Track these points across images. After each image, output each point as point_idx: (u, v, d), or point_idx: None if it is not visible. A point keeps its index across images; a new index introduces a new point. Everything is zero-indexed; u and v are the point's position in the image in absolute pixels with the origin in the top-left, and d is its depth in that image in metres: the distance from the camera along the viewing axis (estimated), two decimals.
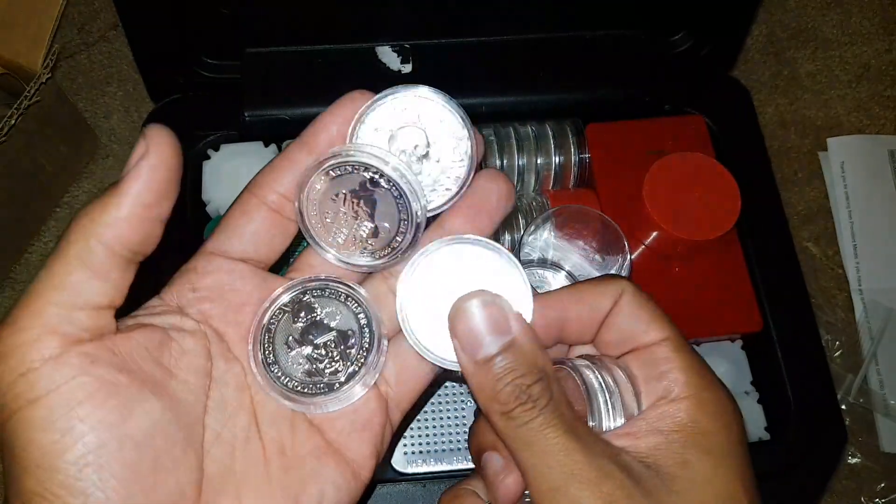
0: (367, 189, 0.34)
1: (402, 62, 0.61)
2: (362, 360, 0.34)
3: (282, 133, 0.60)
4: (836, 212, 0.68)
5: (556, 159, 0.59)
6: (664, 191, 0.54)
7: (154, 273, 0.58)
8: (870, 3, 0.76)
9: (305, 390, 0.33)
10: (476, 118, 0.62)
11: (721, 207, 0.54)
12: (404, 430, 0.54)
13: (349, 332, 0.34)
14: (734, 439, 0.31)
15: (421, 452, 0.53)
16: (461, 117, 0.36)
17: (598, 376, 0.32)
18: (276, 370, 0.33)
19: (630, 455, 0.30)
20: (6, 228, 0.62)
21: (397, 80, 0.60)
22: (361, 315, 0.35)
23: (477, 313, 0.31)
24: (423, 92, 0.35)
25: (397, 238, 0.34)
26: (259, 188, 0.34)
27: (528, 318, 0.33)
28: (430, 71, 0.61)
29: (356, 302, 0.35)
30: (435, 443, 0.53)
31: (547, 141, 0.59)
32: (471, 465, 0.52)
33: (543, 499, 0.29)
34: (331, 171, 0.34)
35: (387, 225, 0.34)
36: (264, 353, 0.33)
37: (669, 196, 0.54)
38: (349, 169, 0.34)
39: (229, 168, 0.59)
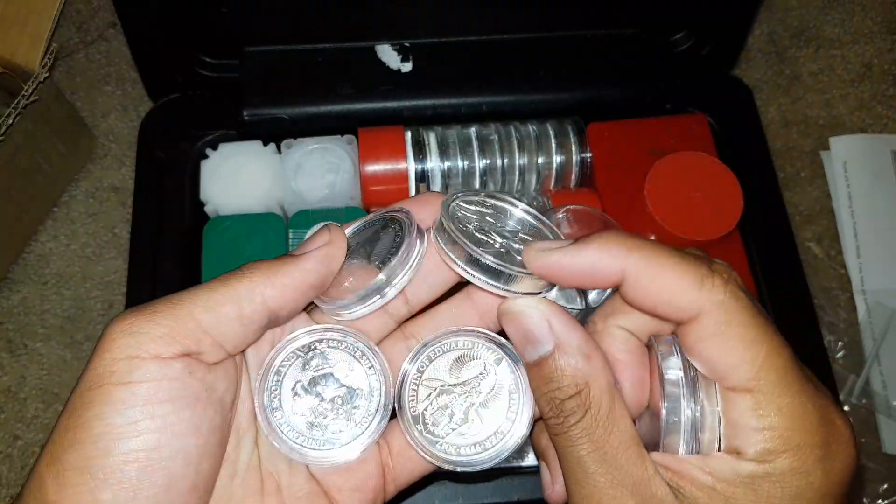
0: (376, 233, 0.34)
1: (402, 61, 0.60)
2: (366, 425, 0.33)
3: (281, 132, 0.60)
4: (838, 212, 0.67)
5: (557, 159, 0.59)
6: (666, 190, 0.54)
7: (153, 272, 0.58)
8: (871, 2, 0.75)
9: (304, 443, 0.33)
10: (477, 117, 0.62)
11: (723, 207, 0.53)
12: None
13: (358, 392, 0.34)
14: None
15: None
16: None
17: (683, 373, 0.29)
18: (278, 416, 0.33)
19: (665, 482, 0.28)
20: (4, 228, 0.62)
21: (397, 78, 0.60)
22: (374, 377, 0.34)
23: (523, 316, 0.31)
24: None
25: (388, 260, 0.33)
26: None
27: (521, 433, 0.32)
28: (430, 70, 0.60)
29: (370, 362, 0.34)
30: None
31: (548, 140, 0.59)
32: None
33: None
34: (357, 234, 0.35)
35: (379, 253, 0.34)
36: (270, 396, 0.33)
37: (671, 196, 0.53)
38: (368, 226, 0.35)
39: (228, 167, 0.59)
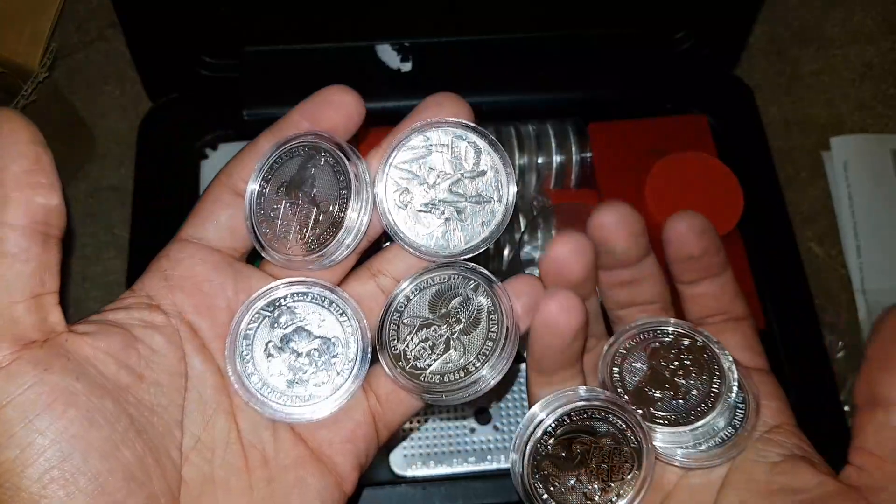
0: (305, 169, 0.32)
1: (402, 60, 0.60)
2: (348, 372, 0.32)
3: None
4: (839, 211, 0.67)
5: (557, 159, 0.59)
6: (666, 190, 0.54)
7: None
8: (872, 2, 0.75)
9: (288, 402, 0.32)
10: (477, 117, 0.61)
11: (723, 207, 0.53)
12: (404, 438, 0.53)
13: (334, 341, 0.33)
14: None
15: (421, 455, 0.53)
16: (491, 147, 0.34)
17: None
18: (255, 381, 0.32)
19: None
20: None
21: (397, 78, 0.60)
22: (347, 323, 0.33)
23: None
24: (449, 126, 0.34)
25: (339, 212, 0.32)
26: (228, 177, 0.33)
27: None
28: (430, 70, 0.60)
29: (341, 308, 0.33)
30: (435, 445, 0.53)
31: (548, 140, 0.59)
32: (474, 468, 0.52)
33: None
34: (266, 171, 0.32)
35: (329, 198, 0.32)
36: (242, 362, 0.32)
37: (672, 196, 0.53)
38: (284, 159, 0.32)
39: None
